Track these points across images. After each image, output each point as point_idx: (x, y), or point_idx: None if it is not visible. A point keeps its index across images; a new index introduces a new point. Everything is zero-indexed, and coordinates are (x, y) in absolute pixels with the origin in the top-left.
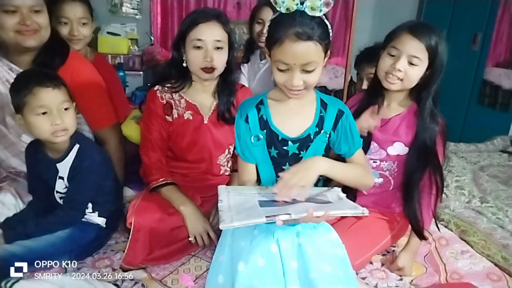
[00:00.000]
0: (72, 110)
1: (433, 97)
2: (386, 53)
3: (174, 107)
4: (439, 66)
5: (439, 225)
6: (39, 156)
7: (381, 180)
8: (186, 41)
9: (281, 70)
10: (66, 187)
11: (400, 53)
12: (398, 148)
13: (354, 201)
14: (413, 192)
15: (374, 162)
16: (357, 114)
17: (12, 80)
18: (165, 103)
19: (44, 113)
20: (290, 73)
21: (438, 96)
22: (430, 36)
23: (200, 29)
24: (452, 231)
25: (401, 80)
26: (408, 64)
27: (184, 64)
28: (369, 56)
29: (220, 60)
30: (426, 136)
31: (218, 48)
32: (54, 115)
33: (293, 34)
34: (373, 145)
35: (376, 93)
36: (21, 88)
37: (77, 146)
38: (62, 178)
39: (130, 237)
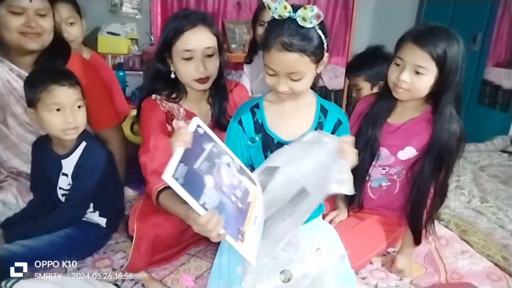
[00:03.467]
0: (84, 109)
1: (454, 101)
2: (393, 63)
3: (175, 117)
4: (451, 71)
5: (439, 225)
6: (45, 151)
7: (388, 183)
8: (173, 52)
9: (269, 74)
10: (69, 184)
11: (404, 64)
12: (409, 153)
13: (360, 204)
14: (422, 199)
15: (383, 169)
16: (366, 121)
17: (12, 81)
18: (166, 111)
19: (57, 110)
20: (277, 78)
21: (459, 101)
22: (436, 43)
23: (187, 38)
24: (452, 231)
25: (408, 90)
26: (415, 74)
27: (173, 76)
28: (355, 67)
29: (213, 67)
30: (443, 143)
31: (209, 55)
32: (67, 113)
33: (280, 43)
34: (384, 151)
35: (388, 99)
36: (36, 84)
37: (84, 144)
38: (65, 175)
39: (132, 245)
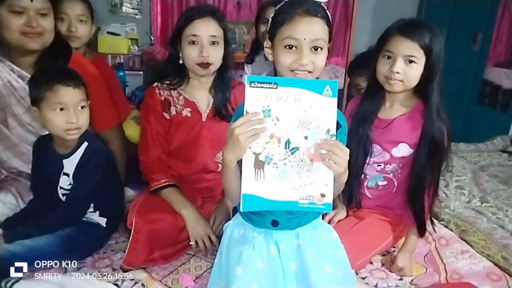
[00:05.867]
0: (87, 109)
1: (439, 92)
2: (382, 57)
3: (172, 104)
4: (436, 59)
5: (439, 225)
6: (46, 150)
7: (385, 182)
8: (182, 38)
9: (290, 48)
10: (70, 183)
11: (395, 55)
12: (403, 150)
13: (358, 203)
14: (421, 184)
15: (378, 165)
16: (356, 119)
17: (13, 82)
18: (163, 100)
19: (61, 110)
20: (298, 52)
21: (443, 91)
22: (422, 33)
23: (196, 25)
24: (452, 231)
25: (402, 81)
26: (406, 64)
27: (181, 61)
28: (357, 67)
29: (216, 56)
30: (435, 133)
31: (214, 43)
32: (70, 113)
33: (304, 10)
34: (376, 148)
35: (376, 95)
36: (42, 83)
37: (85, 144)
38: (67, 174)
39: (130, 238)
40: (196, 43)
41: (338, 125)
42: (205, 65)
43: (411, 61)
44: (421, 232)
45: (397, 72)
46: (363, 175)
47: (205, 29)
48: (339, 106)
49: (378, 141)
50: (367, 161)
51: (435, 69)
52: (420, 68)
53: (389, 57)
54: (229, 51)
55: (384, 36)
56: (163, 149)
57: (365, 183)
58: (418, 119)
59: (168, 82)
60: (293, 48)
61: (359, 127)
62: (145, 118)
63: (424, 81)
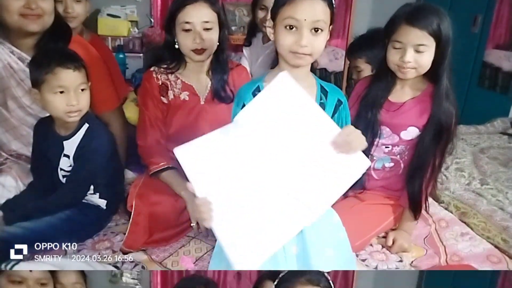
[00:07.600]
0: (88, 91)
1: (448, 74)
2: (391, 47)
3: (170, 88)
4: (445, 42)
5: (438, 207)
6: (47, 132)
7: (391, 164)
8: (176, 24)
9: (290, 28)
10: (70, 165)
11: (404, 46)
12: (412, 133)
13: (363, 185)
14: (422, 172)
15: (386, 147)
16: (365, 101)
17: (13, 64)
18: (160, 84)
19: (61, 92)
20: (298, 34)
21: (451, 73)
22: (429, 19)
23: (188, 11)
24: (452, 213)
25: (414, 68)
26: (416, 53)
27: (176, 46)
28: (356, 49)
29: (210, 41)
30: (442, 116)
31: (207, 29)
32: (71, 96)
33: None
34: (385, 130)
35: (386, 78)
36: (42, 65)
37: (86, 126)
38: (67, 156)
39: (130, 220)
40: (189, 30)
41: (339, 102)
42: (199, 51)
43: (421, 50)
44: (416, 214)
45: (409, 62)
46: (369, 156)
47: (197, 15)
48: (338, 87)
49: (387, 123)
50: (375, 142)
51: (445, 52)
52: (431, 54)
53: (398, 48)
54: (224, 33)
55: (391, 24)
56: (162, 133)
57: (372, 165)
58: (428, 102)
59: (165, 66)
60: (293, 28)
61: (368, 111)
62: (142, 102)
63: (434, 64)
